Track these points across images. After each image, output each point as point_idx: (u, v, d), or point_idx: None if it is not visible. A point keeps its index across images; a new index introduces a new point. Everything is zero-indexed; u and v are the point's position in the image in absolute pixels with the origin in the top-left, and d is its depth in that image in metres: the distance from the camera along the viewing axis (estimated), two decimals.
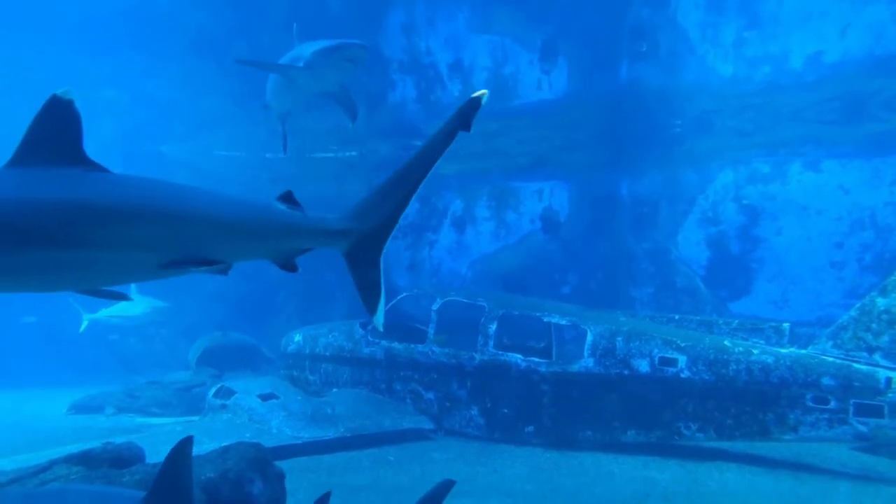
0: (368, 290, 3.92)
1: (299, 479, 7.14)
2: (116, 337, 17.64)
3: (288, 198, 3.84)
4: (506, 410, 9.65)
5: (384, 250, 3.87)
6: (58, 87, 3.02)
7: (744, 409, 8.21)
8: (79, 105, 3.03)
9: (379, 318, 3.96)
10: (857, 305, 7.99)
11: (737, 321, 9.40)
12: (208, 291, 18.46)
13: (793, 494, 6.83)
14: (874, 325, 7.74)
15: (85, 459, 5.54)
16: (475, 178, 17.54)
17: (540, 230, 16.94)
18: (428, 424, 10.01)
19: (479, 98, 3.48)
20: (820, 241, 13.96)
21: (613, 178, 16.34)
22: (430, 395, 10.23)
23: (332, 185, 18.81)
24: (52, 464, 5.32)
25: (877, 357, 7.70)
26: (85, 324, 15.20)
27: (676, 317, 9.90)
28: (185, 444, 3.46)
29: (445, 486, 4.01)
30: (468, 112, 3.53)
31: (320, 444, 8.85)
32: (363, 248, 3.87)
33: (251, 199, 3.76)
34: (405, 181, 3.77)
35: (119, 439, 6.65)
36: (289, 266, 3.86)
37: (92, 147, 3.14)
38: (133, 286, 15.77)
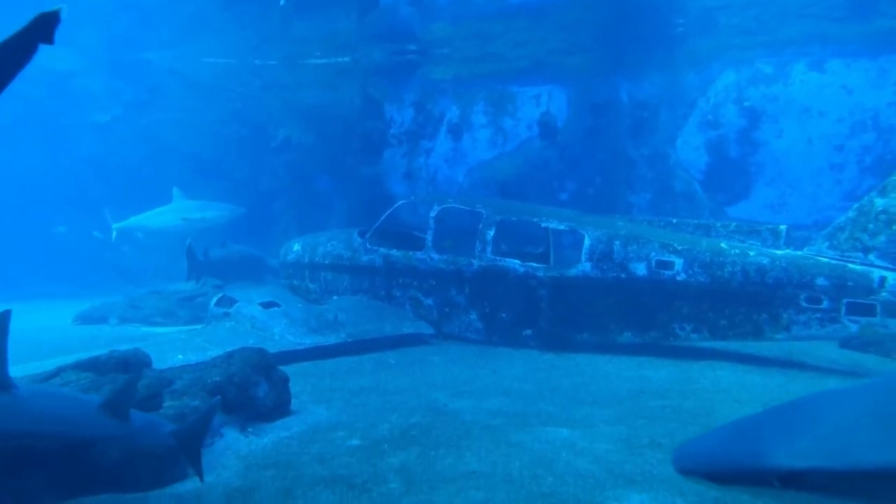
0: None
1: (303, 382, 7.32)
2: (127, 248, 17.43)
3: None
4: (504, 315, 9.80)
5: None
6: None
7: (738, 309, 8.35)
8: None
9: None
10: (855, 206, 8.00)
11: (734, 224, 9.42)
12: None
13: (783, 390, 7.03)
14: (871, 226, 7.77)
15: (93, 366, 5.65)
16: (471, 82, 17.18)
17: (537, 136, 16.74)
18: (428, 329, 10.19)
19: (55, 13, 2.83)
20: (820, 144, 13.85)
21: (613, 81, 16.01)
22: (429, 302, 10.37)
23: (325, 93, 18.44)
24: (60, 370, 5.44)
25: (872, 257, 7.77)
26: (114, 233, 15.04)
27: (674, 220, 9.92)
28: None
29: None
30: (44, 27, 2.73)
31: (322, 349, 9.03)
32: None
33: None
34: None
35: (125, 347, 6.77)
36: None
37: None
38: (175, 191, 15.67)
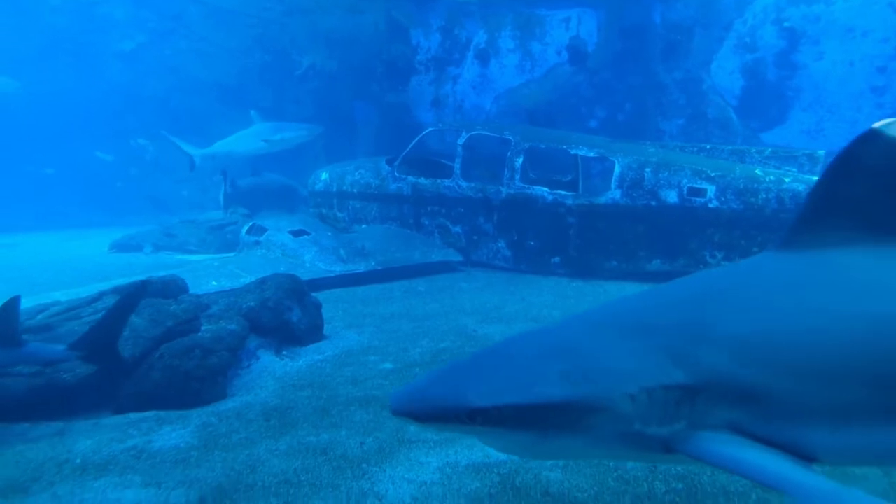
0: None
1: (334, 308, 7.47)
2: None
3: None
4: (532, 243, 9.81)
5: None
6: None
7: (771, 237, 8.25)
8: None
9: None
10: None
11: (769, 149, 9.21)
12: (229, 131, 18.42)
13: None
14: None
15: None
16: (499, 5, 16.66)
17: (566, 62, 16.29)
18: (456, 257, 10.26)
19: None
20: (862, 66, 13.31)
21: (645, 3, 15.41)
22: (457, 229, 10.40)
23: (349, 17, 18.05)
24: (101, 295, 5.60)
25: None
26: (197, 160, 15.11)
27: (708, 146, 9.72)
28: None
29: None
30: None
31: (353, 276, 9.16)
32: None
33: None
34: None
35: (161, 273, 6.94)
36: None
37: None
38: (253, 113, 15.58)
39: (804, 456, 1.93)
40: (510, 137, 9.98)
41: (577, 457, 2.33)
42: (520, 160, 9.78)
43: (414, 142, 11.08)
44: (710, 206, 8.50)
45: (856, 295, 2.04)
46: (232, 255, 10.69)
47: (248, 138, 14.78)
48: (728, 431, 1.95)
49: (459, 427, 2.11)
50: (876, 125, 2.05)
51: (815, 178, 8.20)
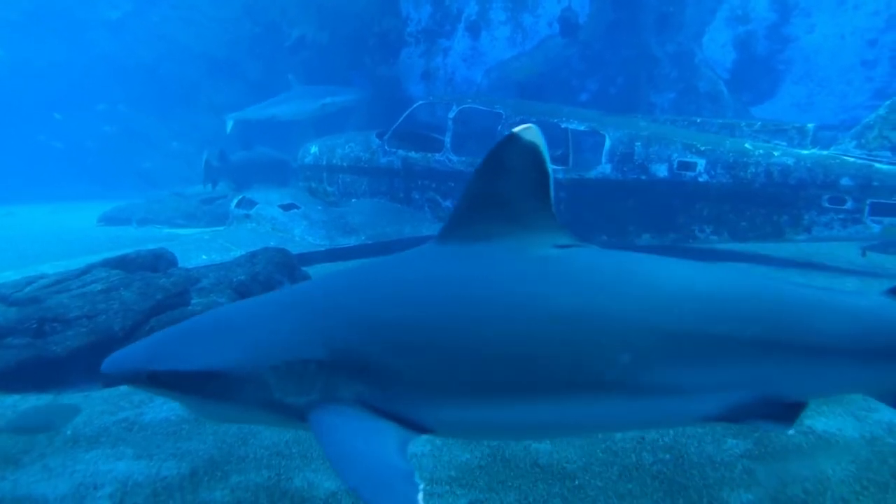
0: None
1: None
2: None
3: None
4: None
5: None
6: None
7: (759, 211, 8.29)
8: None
9: None
10: (886, 103, 7.76)
11: (759, 123, 9.21)
12: (218, 103, 18.24)
13: None
14: None
15: (122, 263, 5.80)
16: None
17: (558, 34, 16.17)
18: None
19: None
20: (853, 39, 13.29)
21: None
22: (447, 204, 10.38)
23: None
24: (90, 268, 5.58)
25: None
26: (230, 124, 14.91)
27: (698, 120, 9.71)
28: None
29: None
30: None
31: (343, 250, 9.15)
32: None
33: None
34: None
35: (150, 246, 6.91)
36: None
37: None
38: (291, 77, 15.23)
39: (423, 429, 2.13)
40: (501, 111, 9.92)
41: (235, 420, 2.59)
42: None
43: (404, 115, 11.00)
44: (700, 180, 8.52)
45: (478, 284, 2.21)
46: (222, 228, 10.66)
47: (293, 102, 14.62)
48: (356, 405, 2.12)
49: (145, 387, 2.34)
50: (515, 130, 2.23)
51: (805, 151, 8.23)
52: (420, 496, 1.75)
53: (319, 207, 10.12)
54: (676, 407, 2.17)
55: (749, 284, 2.30)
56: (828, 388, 2.35)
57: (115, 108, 18.86)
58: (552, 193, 2.31)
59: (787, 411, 2.16)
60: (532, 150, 2.25)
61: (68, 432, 3.90)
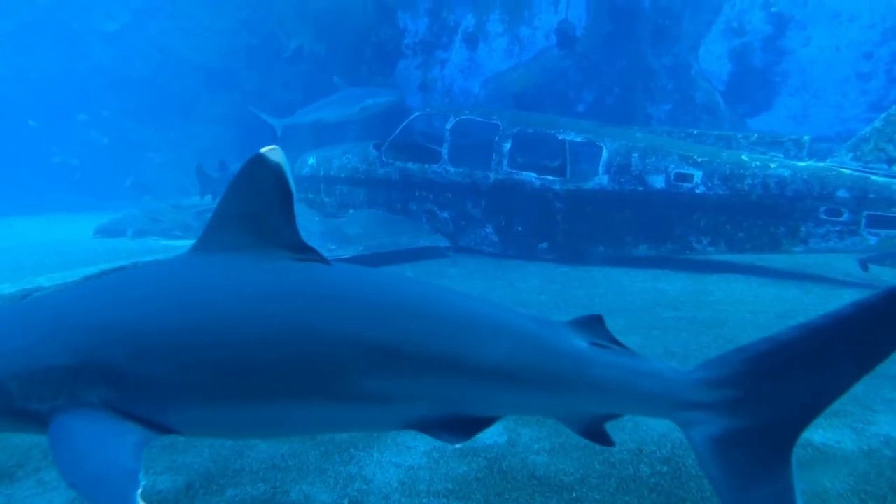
0: None
1: None
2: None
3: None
4: (520, 228, 9.83)
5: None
6: None
7: (756, 222, 8.32)
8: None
9: None
10: (882, 116, 7.81)
11: (756, 135, 9.26)
12: (216, 114, 18.26)
13: (797, 302, 7.09)
14: None
15: None
16: None
17: (555, 45, 16.26)
18: (444, 242, 10.26)
19: None
20: (849, 52, 13.38)
21: None
22: (445, 215, 10.39)
23: None
24: (86, 280, 5.56)
25: None
26: (279, 131, 14.93)
27: (695, 132, 9.75)
28: None
29: None
30: None
31: (340, 262, 9.12)
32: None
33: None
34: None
35: (147, 258, 6.90)
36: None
37: None
38: (336, 79, 15.20)
39: (166, 429, 2.24)
40: (498, 122, 9.96)
41: None
42: (508, 145, 9.77)
43: (402, 126, 11.03)
44: (697, 191, 8.54)
45: (214, 292, 2.33)
46: None
47: (338, 105, 14.67)
48: (100, 409, 2.18)
49: None
50: (262, 150, 2.35)
51: (801, 163, 8.26)
52: (138, 493, 1.83)
53: (317, 219, 10.12)
54: (378, 414, 2.34)
55: (451, 307, 2.45)
56: (502, 409, 2.47)
57: (112, 118, 18.87)
58: (294, 210, 2.45)
59: (469, 426, 2.34)
60: (276, 169, 2.37)
61: None
